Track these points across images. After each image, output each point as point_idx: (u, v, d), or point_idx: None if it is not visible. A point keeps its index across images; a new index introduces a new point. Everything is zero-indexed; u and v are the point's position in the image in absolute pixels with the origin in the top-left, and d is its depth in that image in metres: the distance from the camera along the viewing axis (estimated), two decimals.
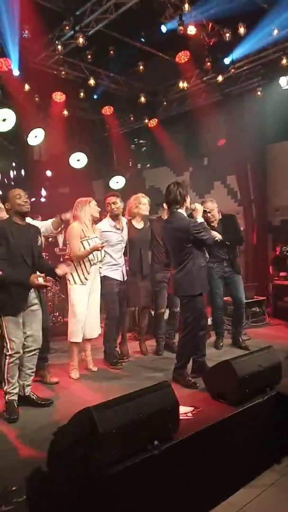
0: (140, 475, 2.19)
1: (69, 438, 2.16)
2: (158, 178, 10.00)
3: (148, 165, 10.74)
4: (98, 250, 3.93)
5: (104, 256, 4.14)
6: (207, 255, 3.84)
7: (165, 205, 4.61)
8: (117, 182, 9.31)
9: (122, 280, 4.36)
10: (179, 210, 3.63)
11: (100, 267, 4.17)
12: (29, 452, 2.53)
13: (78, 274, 3.94)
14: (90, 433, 2.05)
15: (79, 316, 3.94)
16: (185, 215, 3.66)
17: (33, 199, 3.82)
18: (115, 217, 4.34)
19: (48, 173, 9.29)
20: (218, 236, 4.44)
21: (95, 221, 4.15)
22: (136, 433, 2.21)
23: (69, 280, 3.98)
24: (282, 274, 6.54)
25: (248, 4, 5.76)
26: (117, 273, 4.31)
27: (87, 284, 3.96)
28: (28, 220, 3.38)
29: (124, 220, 4.45)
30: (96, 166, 10.24)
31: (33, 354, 3.23)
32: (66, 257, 4.13)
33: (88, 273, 3.96)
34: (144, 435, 2.26)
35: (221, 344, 4.77)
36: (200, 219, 3.68)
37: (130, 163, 10.59)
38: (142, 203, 4.49)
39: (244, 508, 2.58)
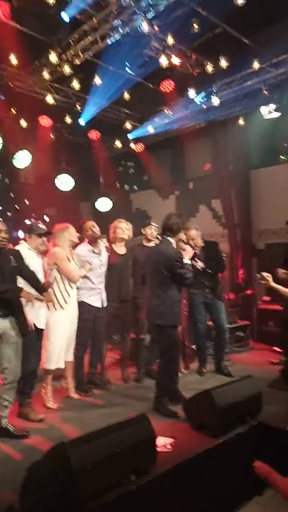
0: (116, 511, 2.14)
1: (43, 474, 2.12)
2: (144, 201, 10.11)
3: (135, 188, 10.86)
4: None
5: (81, 282, 4.11)
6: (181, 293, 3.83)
7: (142, 230, 4.67)
8: (104, 204, 9.40)
9: (101, 306, 4.29)
10: (169, 238, 3.71)
11: (77, 294, 4.11)
12: (2, 488, 2.45)
13: (58, 299, 3.87)
14: (64, 469, 2.01)
15: (57, 342, 3.85)
16: (174, 244, 3.72)
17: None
18: (94, 241, 4.32)
19: (26, 201, 9.38)
20: (201, 265, 4.47)
21: (73, 246, 4.15)
22: (112, 468, 2.17)
23: (48, 307, 3.87)
24: (265, 298, 6.59)
25: (230, 38, 5.99)
26: (96, 299, 4.25)
27: (67, 308, 3.91)
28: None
29: (102, 244, 4.42)
30: (83, 188, 10.31)
31: (10, 387, 3.18)
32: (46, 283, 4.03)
33: (69, 296, 3.93)
34: (121, 469, 2.22)
35: (204, 370, 4.74)
36: (187, 261, 3.65)
37: (118, 185, 10.71)
38: (118, 227, 4.49)
39: None
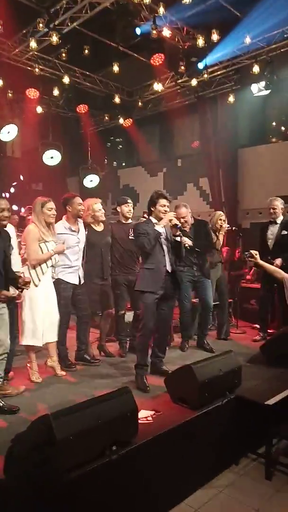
0: (98, 480, 2.23)
1: (27, 445, 2.18)
2: (132, 177, 10.04)
3: (124, 164, 10.74)
4: (61, 253, 3.92)
5: (58, 260, 4.04)
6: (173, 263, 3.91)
7: (118, 209, 4.77)
8: (91, 180, 9.30)
9: (78, 284, 4.25)
10: (150, 217, 3.89)
11: (52, 272, 4.05)
12: None
13: (31, 277, 3.78)
14: (48, 439, 2.08)
15: (30, 319, 3.81)
16: (155, 221, 3.84)
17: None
18: (75, 219, 4.26)
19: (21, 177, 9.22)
20: (188, 242, 4.47)
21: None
22: (94, 438, 2.24)
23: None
24: (248, 277, 6.70)
25: (222, 11, 5.86)
26: (73, 276, 4.21)
27: (40, 286, 3.84)
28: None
29: (81, 222, 4.37)
30: (70, 163, 10.17)
31: (1, 359, 3.22)
32: (21, 258, 3.94)
33: (43, 274, 3.86)
34: (103, 440, 2.30)
35: (187, 346, 4.85)
36: (160, 229, 3.75)
37: (106, 161, 10.58)
38: (96, 210, 4.44)
39: (201, 509, 2.66)
